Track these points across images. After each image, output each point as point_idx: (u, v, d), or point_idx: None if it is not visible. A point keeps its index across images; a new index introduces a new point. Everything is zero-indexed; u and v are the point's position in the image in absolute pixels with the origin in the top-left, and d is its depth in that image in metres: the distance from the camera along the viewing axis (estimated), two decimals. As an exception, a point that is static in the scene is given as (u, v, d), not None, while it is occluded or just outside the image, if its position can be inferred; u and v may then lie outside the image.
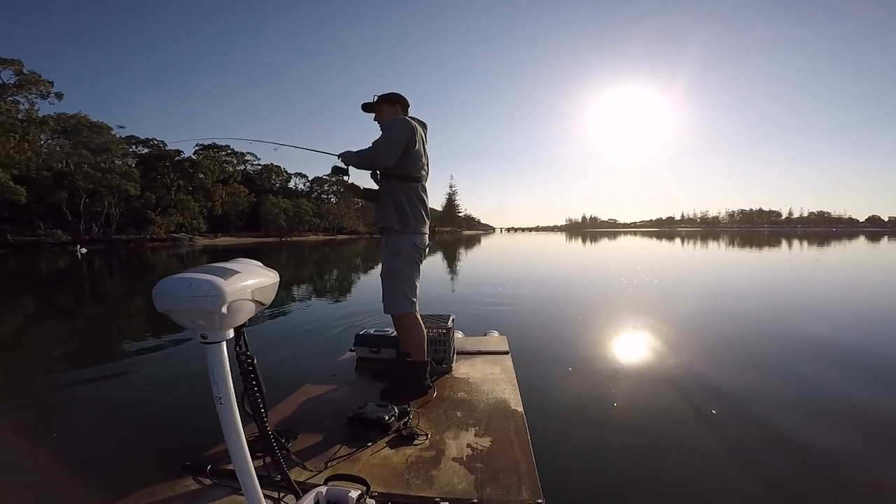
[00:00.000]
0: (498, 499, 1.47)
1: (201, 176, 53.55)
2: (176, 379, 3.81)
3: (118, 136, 47.79)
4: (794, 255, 19.24)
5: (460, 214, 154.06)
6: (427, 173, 2.48)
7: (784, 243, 30.83)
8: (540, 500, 1.44)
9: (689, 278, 11.56)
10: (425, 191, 2.45)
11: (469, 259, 20.34)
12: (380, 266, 2.52)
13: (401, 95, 2.50)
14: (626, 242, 38.40)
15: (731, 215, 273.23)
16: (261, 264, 1.10)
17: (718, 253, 22.23)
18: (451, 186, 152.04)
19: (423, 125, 2.48)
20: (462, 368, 2.83)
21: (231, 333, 0.99)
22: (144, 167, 48.34)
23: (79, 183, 38.34)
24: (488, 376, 2.69)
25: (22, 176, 33.93)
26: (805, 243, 30.40)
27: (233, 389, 0.99)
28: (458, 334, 3.48)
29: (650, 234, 74.71)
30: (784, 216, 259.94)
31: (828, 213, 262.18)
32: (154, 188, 46.54)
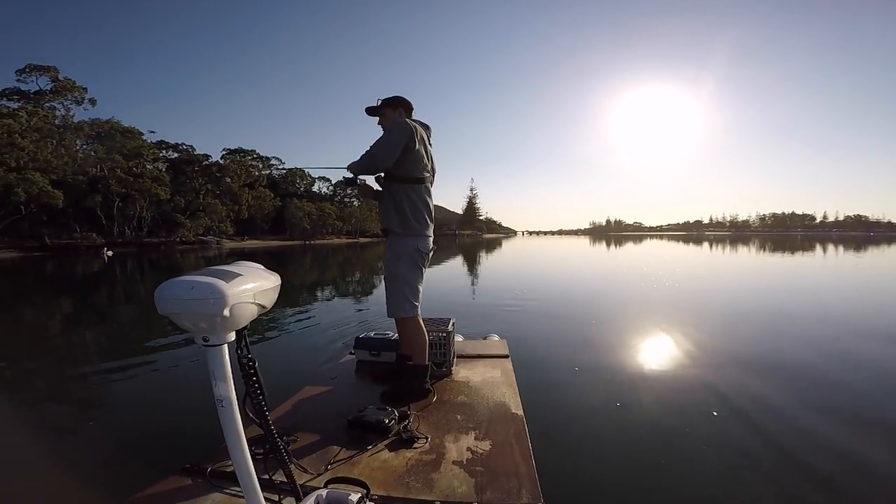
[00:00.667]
0: (498, 502, 1.48)
1: (228, 180, 54.81)
2: (177, 381, 3.85)
3: (149, 140, 49.31)
4: (829, 261, 18.57)
5: (481, 217, 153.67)
6: (431, 175, 2.48)
7: (818, 248, 29.75)
8: None
9: (711, 283, 11.27)
10: (429, 193, 2.45)
11: (478, 263, 20.28)
12: None
13: (404, 99, 2.53)
14: (650, 246, 37.63)
15: (763, 219, 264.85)
16: (262, 267, 1.10)
17: (747, 257, 21.56)
18: (471, 189, 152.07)
19: (426, 127, 2.49)
20: (462, 372, 2.84)
21: (232, 336, 0.99)
22: (174, 171, 49.78)
23: (112, 187, 39.53)
24: (488, 380, 2.69)
25: (59, 180, 35.09)
26: (841, 248, 29.25)
27: (234, 392, 1.00)
28: (458, 338, 3.48)
29: (677, 238, 73.00)
30: (818, 220, 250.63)
31: (865, 216, 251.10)
32: (183, 192, 47.73)
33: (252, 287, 0.99)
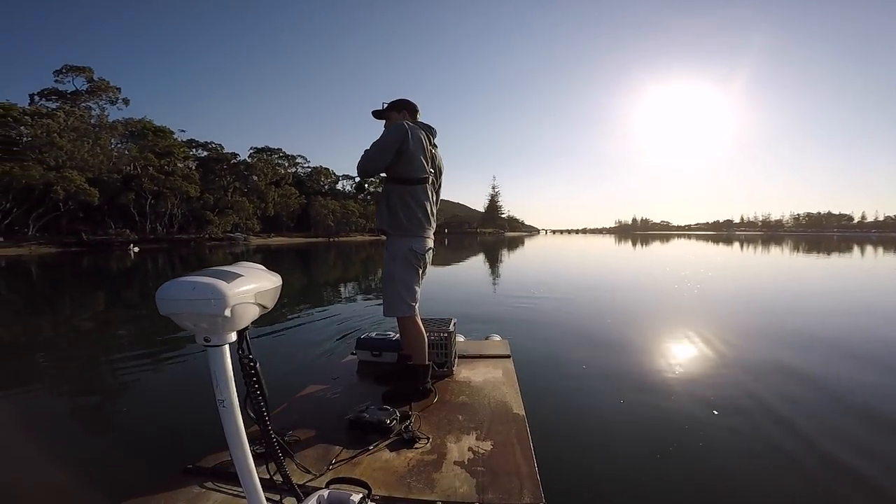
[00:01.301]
0: (499, 502, 1.48)
1: (255, 178, 56.09)
2: (178, 381, 3.85)
3: (179, 139, 50.75)
4: (868, 263, 17.82)
5: (503, 216, 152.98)
6: (434, 176, 2.47)
7: (856, 249, 28.53)
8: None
9: (734, 284, 10.95)
10: (428, 194, 2.42)
11: (499, 261, 20.18)
12: None
13: (409, 101, 2.55)
14: (677, 246, 36.76)
15: (796, 218, 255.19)
16: (263, 268, 1.10)
17: (777, 258, 20.82)
18: (493, 187, 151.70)
19: (428, 128, 2.49)
20: (463, 372, 2.83)
21: (234, 336, 0.99)
22: (203, 170, 51.21)
23: (145, 185, 40.89)
24: (489, 380, 2.68)
25: (95, 178, 36.51)
26: (881, 249, 27.93)
27: (235, 392, 1.00)
28: (460, 338, 3.48)
29: (706, 238, 71.07)
30: (856, 220, 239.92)
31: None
32: (212, 190, 49.07)
33: (253, 287, 1.00)
